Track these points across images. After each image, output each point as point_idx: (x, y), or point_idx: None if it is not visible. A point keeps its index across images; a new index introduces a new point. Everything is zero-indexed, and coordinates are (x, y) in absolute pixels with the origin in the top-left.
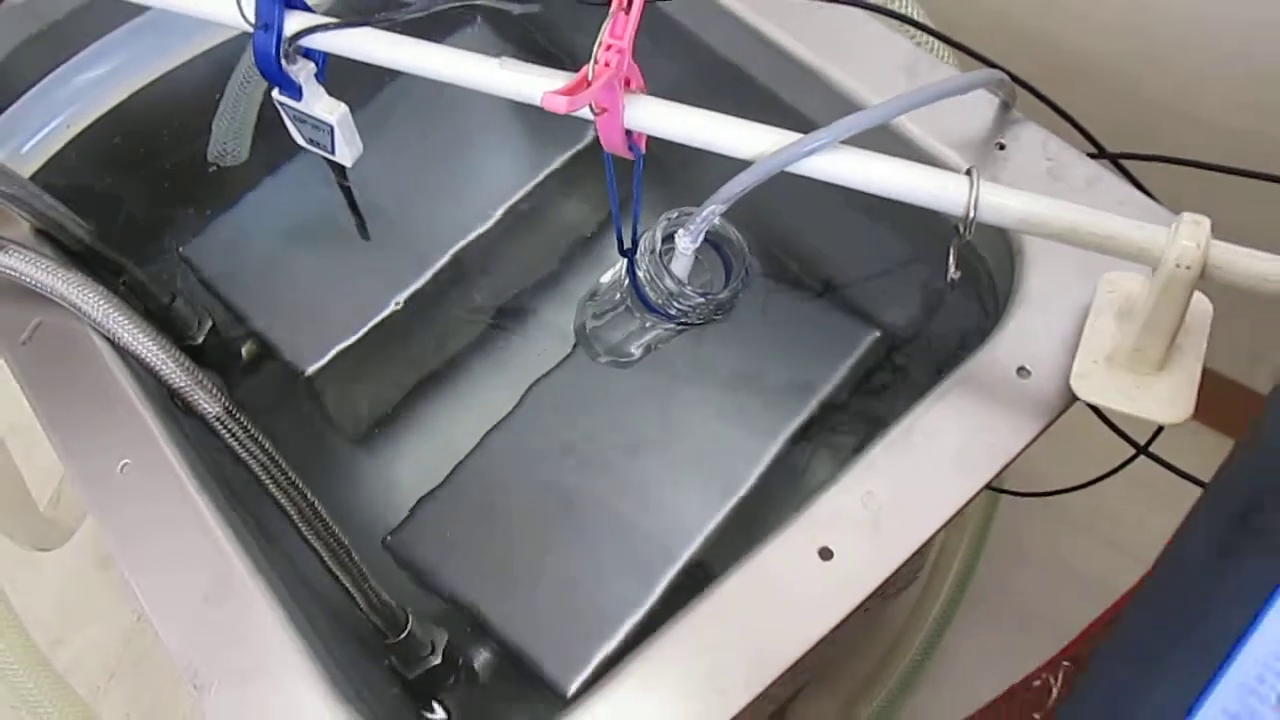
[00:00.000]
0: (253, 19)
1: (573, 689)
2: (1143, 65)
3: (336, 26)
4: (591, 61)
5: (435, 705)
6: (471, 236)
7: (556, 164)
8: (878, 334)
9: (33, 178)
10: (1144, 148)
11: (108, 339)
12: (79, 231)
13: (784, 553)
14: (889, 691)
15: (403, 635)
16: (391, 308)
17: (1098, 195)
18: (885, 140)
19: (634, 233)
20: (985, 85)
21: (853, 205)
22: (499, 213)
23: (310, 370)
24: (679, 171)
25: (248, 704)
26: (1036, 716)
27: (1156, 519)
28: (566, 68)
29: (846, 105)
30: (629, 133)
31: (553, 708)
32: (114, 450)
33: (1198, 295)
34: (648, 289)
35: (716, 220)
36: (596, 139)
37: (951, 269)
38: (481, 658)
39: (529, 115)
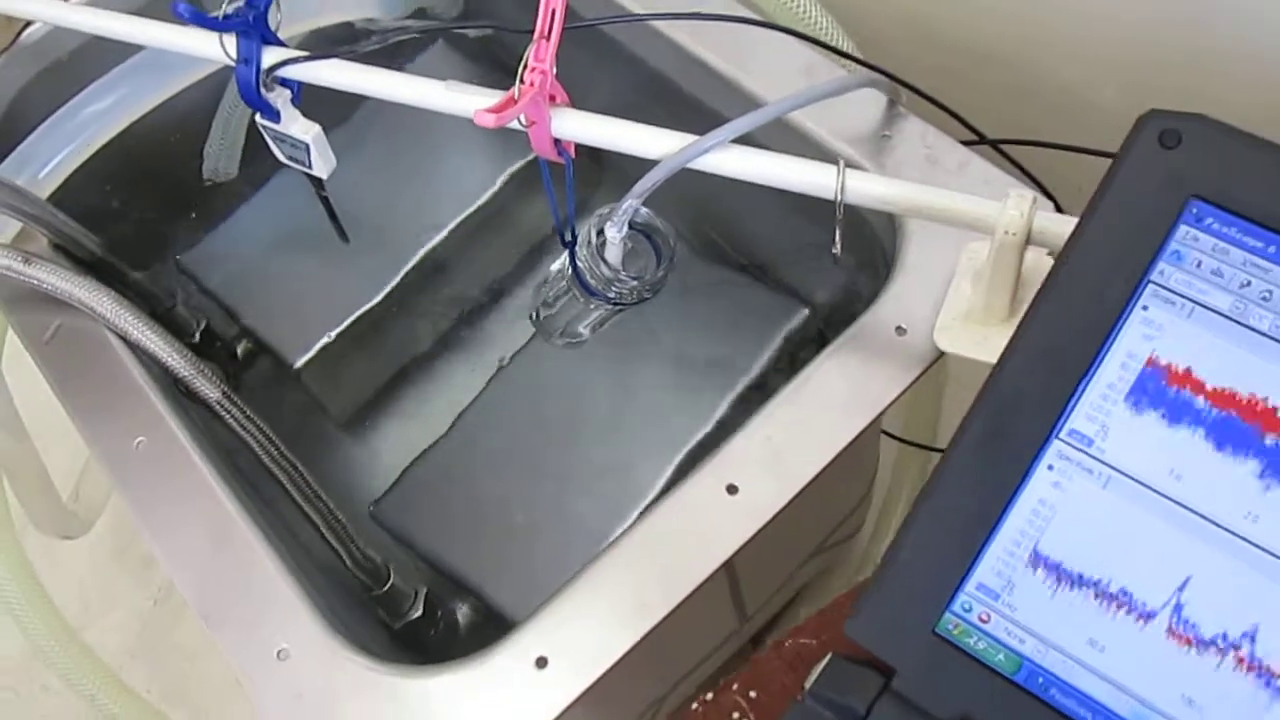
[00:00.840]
0: (235, 55)
1: None
2: (1039, 55)
3: (307, 59)
4: (518, 82)
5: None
6: (440, 237)
7: (514, 169)
8: (807, 311)
9: (49, 199)
10: (1041, 134)
11: (120, 336)
12: (90, 245)
13: (697, 490)
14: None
15: (386, 587)
16: (370, 304)
17: (968, 177)
18: (789, 137)
19: (572, 227)
20: (863, 86)
21: (780, 196)
22: (464, 215)
23: (299, 363)
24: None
25: (253, 636)
26: None
27: None
28: None
29: (755, 107)
30: (557, 141)
31: None
32: (130, 430)
33: (1039, 253)
34: (588, 275)
35: (643, 212)
36: None
37: (836, 245)
38: (460, 611)
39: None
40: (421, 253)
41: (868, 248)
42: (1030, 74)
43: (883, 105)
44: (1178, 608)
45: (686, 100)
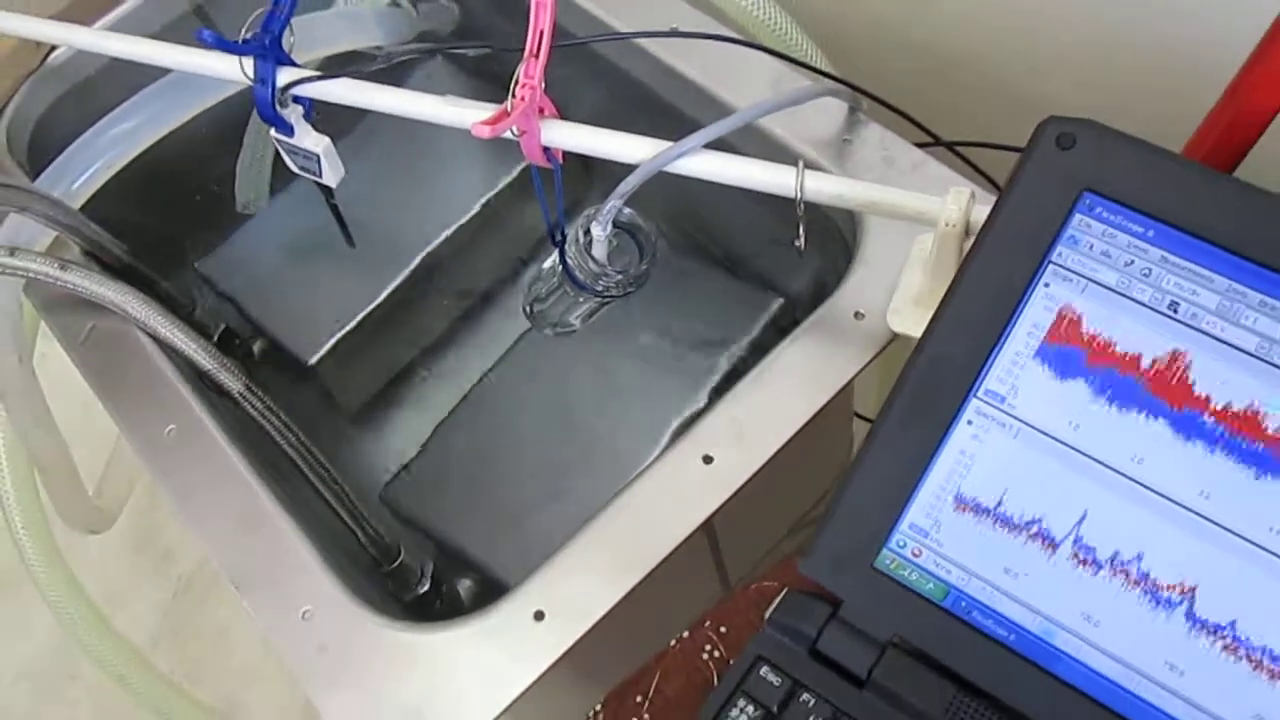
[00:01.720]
0: (252, 75)
1: None
2: (998, 60)
3: (318, 78)
4: (509, 96)
5: None
6: (441, 239)
7: (511, 176)
8: (781, 300)
9: (81, 209)
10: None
11: (149, 335)
12: (118, 252)
13: (676, 461)
14: None
15: (396, 564)
16: (376, 303)
17: (921, 176)
18: (760, 142)
19: (561, 227)
20: (824, 95)
21: (753, 196)
22: (462, 219)
23: (312, 360)
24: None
25: (280, 600)
26: None
27: None
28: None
29: (728, 114)
30: (546, 149)
31: None
32: (161, 420)
33: None
34: (577, 271)
35: (626, 212)
36: None
37: (800, 239)
38: (464, 585)
39: (483, 139)
40: (424, 254)
41: (833, 242)
42: (990, 78)
43: (844, 112)
44: (1078, 539)
45: (666, 109)
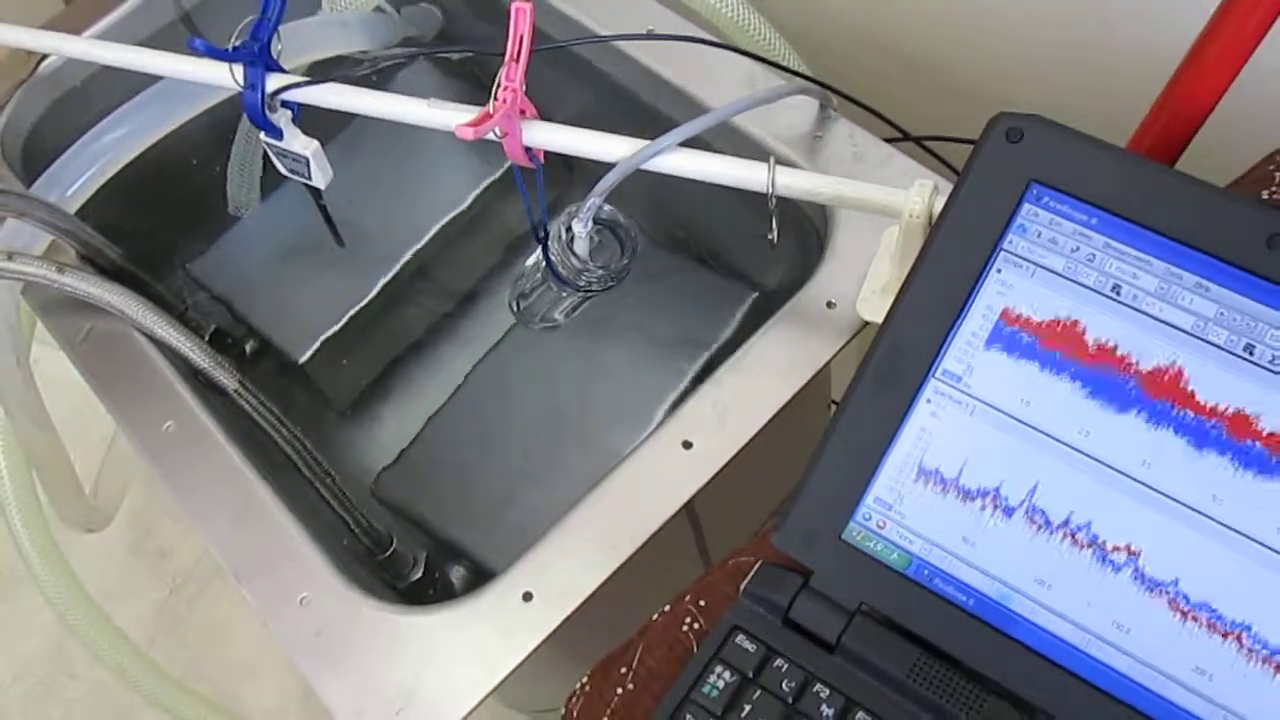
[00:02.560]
0: (242, 81)
1: None
2: (964, 58)
3: (306, 84)
4: (491, 99)
5: None
6: (427, 238)
7: (494, 176)
8: (756, 294)
9: (76, 214)
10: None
11: (146, 335)
12: (112, 255)
13: (657, 446)
14: None
15: (389, 553)
16: (364, 301)
17: (889, 170)
18: (735, 139)
19: (544, 224)
20: (795, 93)
21: (730, 192)
22: (448, 218)
23: (302, 358)
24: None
25: (278, 587)
26: None
27: None
28: None
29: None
30: (528, 149)
31: None
32: (159, 416)
33: None
34: (559, 267)
35: (606, 209)
36: None
37: (773, 232)
38: (455, 573)
39: (466, 140)
40: (410, 253)
41: (806, 236)
42: (958, 76)
43: (815, 110)
44: (1031, 507)
45: (645, 109)
